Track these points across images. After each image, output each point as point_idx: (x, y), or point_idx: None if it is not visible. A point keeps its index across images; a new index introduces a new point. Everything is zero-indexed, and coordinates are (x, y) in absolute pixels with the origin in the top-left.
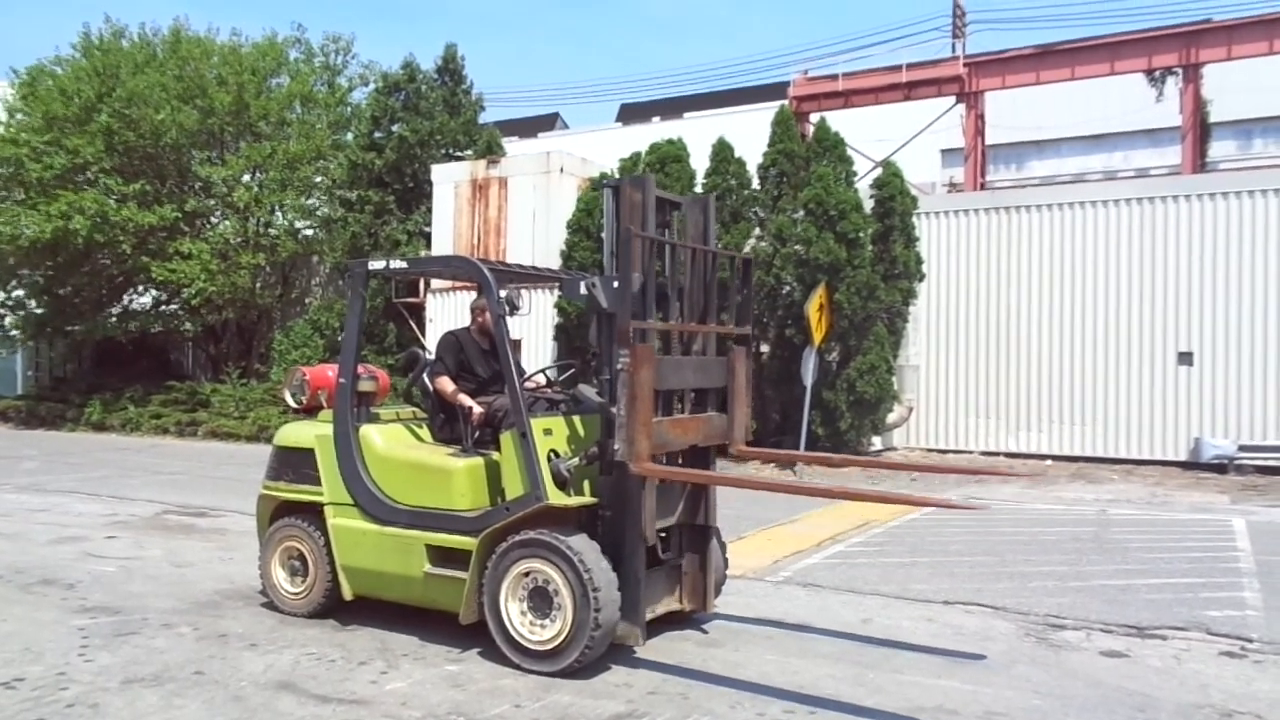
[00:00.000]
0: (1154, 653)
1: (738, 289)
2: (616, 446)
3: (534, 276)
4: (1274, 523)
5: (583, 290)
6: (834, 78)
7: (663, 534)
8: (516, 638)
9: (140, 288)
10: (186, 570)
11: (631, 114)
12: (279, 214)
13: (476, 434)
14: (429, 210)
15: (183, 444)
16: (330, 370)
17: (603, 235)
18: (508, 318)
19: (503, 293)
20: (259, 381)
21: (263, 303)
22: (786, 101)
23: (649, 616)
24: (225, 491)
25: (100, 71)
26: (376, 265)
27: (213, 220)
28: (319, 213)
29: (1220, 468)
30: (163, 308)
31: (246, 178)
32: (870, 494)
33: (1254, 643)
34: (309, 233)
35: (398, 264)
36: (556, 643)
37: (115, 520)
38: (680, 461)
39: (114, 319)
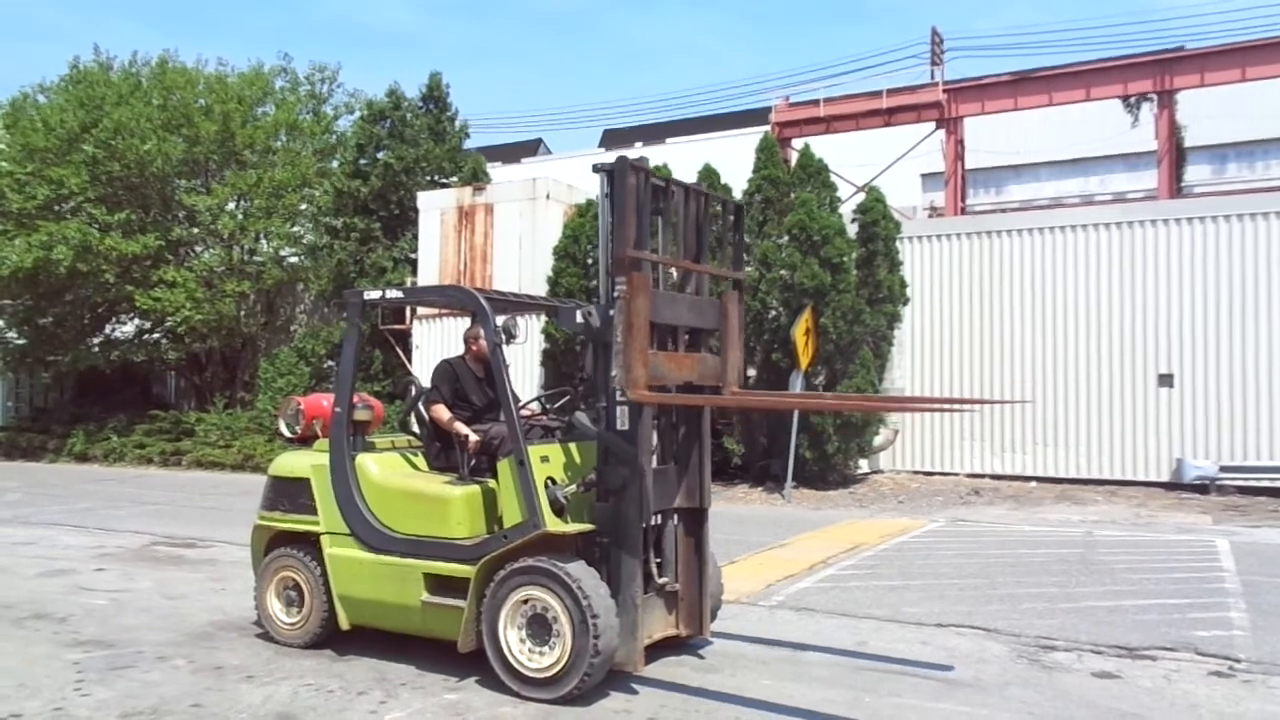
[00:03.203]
0: (1144, 673)
1: (730, 235)
2: (614, 373)
3: (529, 305)
4: (1257, 543)
5: (579, 319)
6: (815, 103)
7: (658, 560)
8: (515, 665)
9: (123, 317)
10: (179, 602)
11: (615, 139)
12: (264, 242)
13: (473, 462)
14: (415, 237)
15: (167, 474)
16: (325, 399)
17: (594, 259)
18: (504, 346)
19: (500, 319)
20: (244, 410)
21: (247, 330)
22: (769, 127)
23: (646, 642)
24: (213, 521)
25: (84, 102)
26: (373, 295)
27: (197, 249)
28: (304, 240)
29: (1202, 488)
30: (146, 337)
31: (231, 205)
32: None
33: (1242, 662)
34: (294, 260)
35: (394, 293)
36: (556, 670)
37: (103, 552)
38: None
39: (96, 348)
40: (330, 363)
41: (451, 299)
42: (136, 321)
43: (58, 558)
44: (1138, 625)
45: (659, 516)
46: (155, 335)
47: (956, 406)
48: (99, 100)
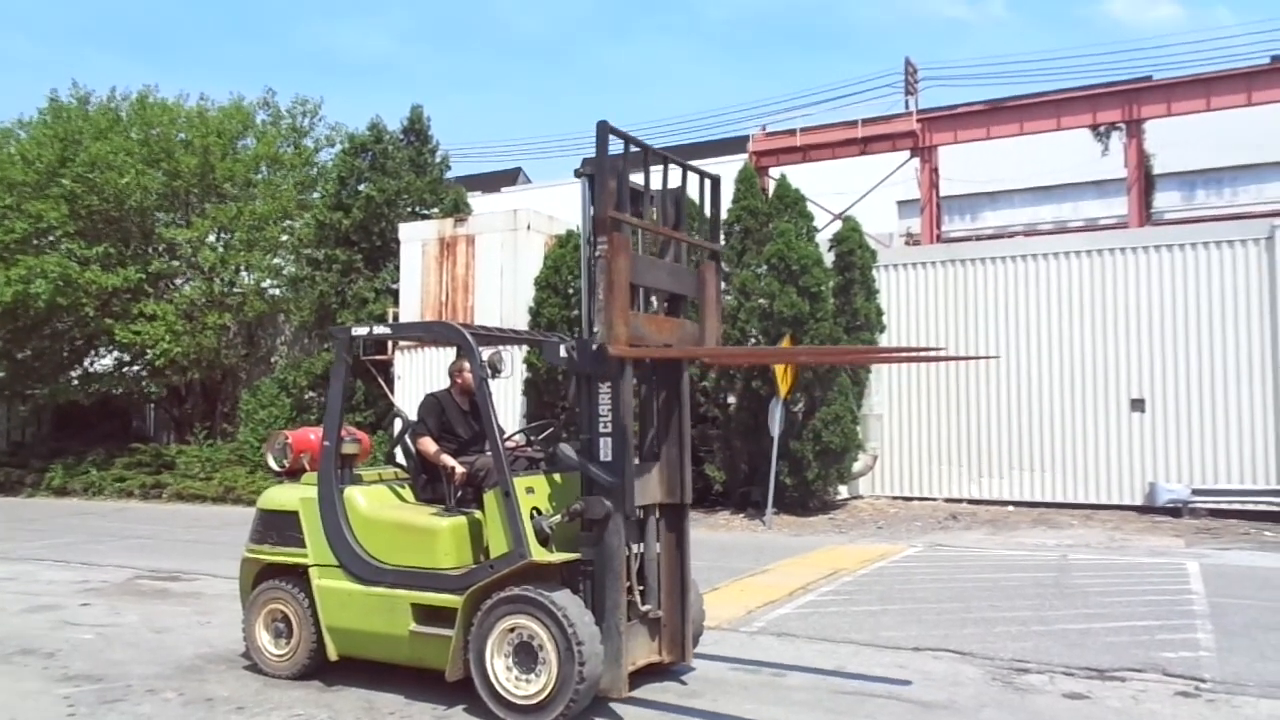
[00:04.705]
0: (1113, 694)
1: (710, 207)
2: (595, 330)
3: (514, 339)
4: (1225, 565)
5: (563, 353)
6: (792, 133)
7: (641, 587)
8: (502, 693)
9: (101, 350)
10: (165, 635)
11: None
12: (245, 274)
13: (459, 494)
14: (397, 268)
15: (148, 507)
16: (312, 433)
17: (574, 289)
18: (490, 380)
19: (486, 354)
20: (225, 442)
21: (228, 362)
22: (747, 156)
23: (630, 668)
24: (196, 554)
25: (62, 137)
26: (360, 331)
27: (176, 281)
28: (285, 272)
29: (1175, 511)
30: (125, 369)
31: (211, 238)
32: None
33: (1207, 682)
34: (275, 292)
35: (381, 329)
36: (542, 697)
37: (87, 587)
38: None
39: (75, 382)
40: (311, 394)
41: (438, 335)
42: (115, 354)
43: (41, 593)
44: (1108, 647)
45: (641, 545)
46: (134, 368)
47: (928, 357)
48: (76, 134)
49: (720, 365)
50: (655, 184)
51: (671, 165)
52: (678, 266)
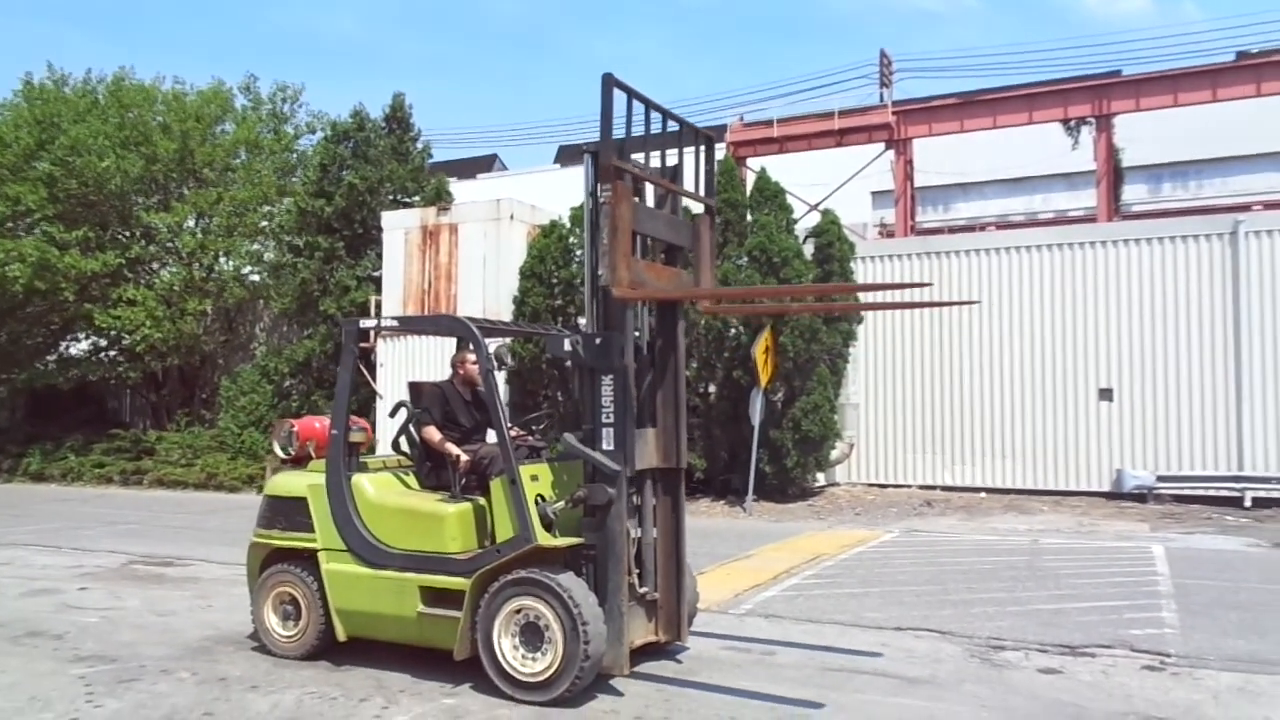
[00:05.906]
0: (1085, 669)
1: (705, 165)
2: (600, 273)
3: (519, 332)
4: (1189, 548)
5: (567, 346)
6: (769, 124)
7: (638, 570)
8: (510, 671)
9: (78, 334)
10: (170, 619)
11: (570, 156)
12: (224, 260)
13: (463, 481)
14: (378, 256)
15: (129, 493)
16: (317, 422)
17: (559, 279)
18: (495, 371)
19: (492, 347)
20: (204, 428)
21: (207, 348)
22: (725, 146)
23: (630, 647)
24: (186, 540)
25: (40, 119)
26: (368, 323)
27: (154, 266)
28: (266, 258)
29: (1140, 497)
30: (102, 354)
31: (190, 223)
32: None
33: (1171, 657)
34: (255, 278)
35: (388, 322)
36: (548, 674)
37: (83, 572)
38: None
39: (53, 366)
40: (291, 381)
41: (446, 328)
42: (91, 339)
43: (38, 577)
44: (1079, 625)
45: (639, 528)
46: (111, 353)
47: (916, 303)
48: (55, 117)
49: (716, 313)
50: (654, 157)
51: (667, 137)
52: (675, 218)
